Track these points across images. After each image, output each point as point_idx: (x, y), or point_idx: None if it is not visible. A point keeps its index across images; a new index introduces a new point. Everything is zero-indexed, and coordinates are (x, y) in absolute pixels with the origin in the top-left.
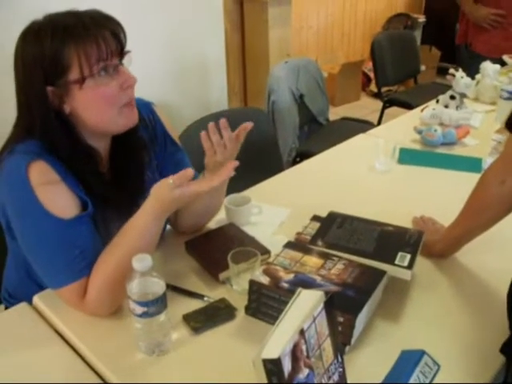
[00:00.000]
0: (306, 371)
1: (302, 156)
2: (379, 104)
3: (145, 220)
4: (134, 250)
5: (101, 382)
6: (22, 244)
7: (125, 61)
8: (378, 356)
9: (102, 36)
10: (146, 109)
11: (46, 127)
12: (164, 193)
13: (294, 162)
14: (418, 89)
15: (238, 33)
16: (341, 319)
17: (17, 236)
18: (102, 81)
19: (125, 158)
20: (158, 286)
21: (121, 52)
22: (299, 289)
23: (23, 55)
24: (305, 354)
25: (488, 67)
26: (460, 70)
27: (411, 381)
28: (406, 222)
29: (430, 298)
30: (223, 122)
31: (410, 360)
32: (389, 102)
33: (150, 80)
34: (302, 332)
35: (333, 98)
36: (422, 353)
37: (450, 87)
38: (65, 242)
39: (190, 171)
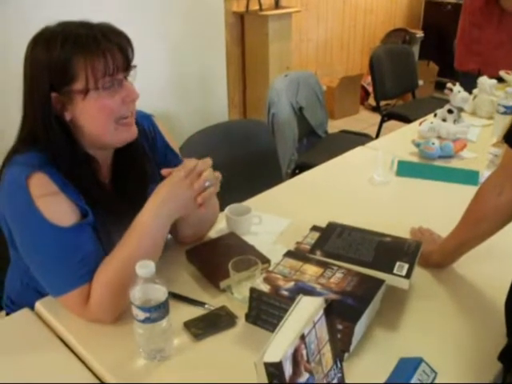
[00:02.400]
0: (306, 375)
1: (301, 168)
2: (377, 117)
3: (146, 221)
4: (136, 254)
5: None
6: (23, 253)
7: (131, 75)
8: (377, 363)
9: (110, 51)
10: (146, 121)
11: (47, 132)
12: (165, 185)
13: (293, 174)
14: (415, 103)
15: (238, 46)
16: (340, 327)
17: (18, 245)
18: (105, 94)
19: (127, 168)
20: (160, 292)
21: (127, 67)
22: (300, 295)
23: (32, 59)
24: (305, 358)
25: (485, 82)
26: (457, 84)
27: None
28: (403, 233)
29: (427, 307)
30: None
31: (407, 367)
32: (387, 116)
33: (151, 91)
34: (302, 337)
35: (331, 112)
36: (420, 360)
37: (447, 101)
38: (65, 249)
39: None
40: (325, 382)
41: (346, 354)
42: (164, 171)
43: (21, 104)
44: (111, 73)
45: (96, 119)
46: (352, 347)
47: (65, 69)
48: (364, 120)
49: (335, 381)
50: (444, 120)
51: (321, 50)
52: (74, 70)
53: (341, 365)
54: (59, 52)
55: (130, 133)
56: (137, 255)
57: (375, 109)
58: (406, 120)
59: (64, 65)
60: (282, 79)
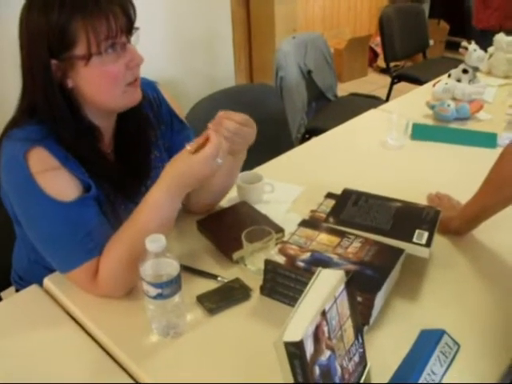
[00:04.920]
0: (327, 353)
1: (310, 133)
2: (387, 80)
3: (158, 196)
4: (147, 229)
5: (114, 364)
6: (27, 231)
7: (132, 39)
8: (397, 336)
9: (112, 12)
10: (150, 88)
11: (49, 101)
12: (180, 162)
13: (303, 139)
14: (426, 63)
15: (243, 8)
16: (359, 299)
17: (22, 223)
18: (108, 59)
19: (130, 137)
20: (172, 266)
21: (129, 29)
22: (319, 268)
23: (28, 24)
24: (326, 335)
25: (502, 40)
26: (473, 42)
27: (432, 361)
28: (420, 199)
29: (447, 276)
30: (220, 115)
31: (430, 340)
32: (397, 78)
33: (155, 57)
34: (323, 313)
35: (339, 74)
36: (442, 332)
37: (459, 61)
38: (69, 224)
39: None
40: (346, 358)
41: (366, 327)
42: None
43: (18, 74)
44: (114, 35)
45: (100, 86)
46: (372, 320)
47: (63, 34)
48: (373, 82)
49: (356, 357)
50: (458, 80)
51: (327, 11)
52: (74, 34)
53: (362, 340)
54: (57, 16)
55: (135, 96)
56: (148, 229)
57: (384, 71)
58: (417, 81)
59: (62, 30)
60: (289, 41)
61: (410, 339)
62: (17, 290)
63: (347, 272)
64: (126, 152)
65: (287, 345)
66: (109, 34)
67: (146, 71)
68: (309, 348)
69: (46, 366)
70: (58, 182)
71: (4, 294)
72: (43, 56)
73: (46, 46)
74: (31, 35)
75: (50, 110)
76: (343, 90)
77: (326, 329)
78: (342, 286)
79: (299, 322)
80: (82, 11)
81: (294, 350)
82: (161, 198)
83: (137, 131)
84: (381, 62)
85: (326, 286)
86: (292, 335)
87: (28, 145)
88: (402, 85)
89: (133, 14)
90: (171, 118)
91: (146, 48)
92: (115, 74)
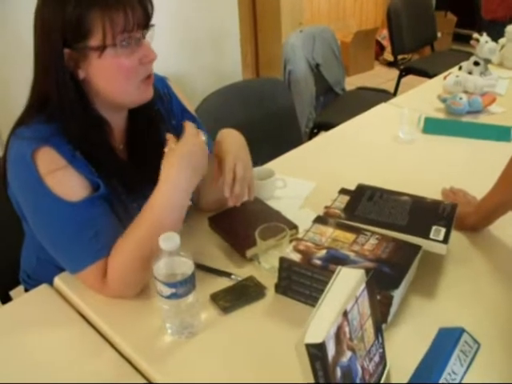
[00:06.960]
0: (348, 354)
1: (319, 127)
2: (394, 73)
3: (163, 191)
4: (155, 225)
5: (127, 364)
6: (35, 231)
7: (147, 35)
8: (416, 334)
9: (130, 5)
10: (160, 83)
11: (59, 90)
12: (174, 151)
13: (312, 134)
14: (434, 56)
15: (249, 2)
16: (377, 297)
17: (30, 223)
18: (122, 52)
19: (141, 132)
20: (186, 265)
21: (146, 24)
22: (339, 267)
23: (43, 14)
24: (348, 336)
25: None
26: (484, 34)
27: (452, 360)
28: (434, 194)
29: (464, 273)
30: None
31: (449, 338)
32: (405, 71)
33: (163, 52)
34: (345, 314)
35: (346, 68)
36: (462, 330)
37: (467, 53)
38: (77, 224)
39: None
40: (367, 359)
41: (384, 325)
42: (168, 136)
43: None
44: (130, 29)
45: (112, 79)
46: (390, 318)
47: (80, 23)
48: (380, 76)
49: (377, 357)
50: (470, 73)
51: (333, 4)
52: (90, 24)
53: (382, 339)
54: (73, 7)
55: (148, 93)
56: (157, 227)
57: (391, 64)
58: (425, 74)
59: (79, 20)
60: (297, 35)
61: (428, 337)
62: (26, 290)
63: (367, 271)
64: (137, 147)
65: (309, 346)
66: (125, 27)
67: (155, 66)
68: (330, 349)
69: (59, 367)
70: (66, 181)
71: (13, 293)
72: (57, 44)
73: (60, 34)
74: (46, 24)
75: (60, 99)
76: (350, 83)
77: (347, 329)
78: (363, 285)
79: (320, 323)
80: (100, 2)
81: (316, 352)
82: (168, 194)
83: (148, 126)
84: (387, 56)
85: (347, 285)
86: (314, 337)
87: (35, 144)
88: (410, 78)
89: (150, 9)
90: (182, 113)
91: (155, 43)
92: (127, 67)
